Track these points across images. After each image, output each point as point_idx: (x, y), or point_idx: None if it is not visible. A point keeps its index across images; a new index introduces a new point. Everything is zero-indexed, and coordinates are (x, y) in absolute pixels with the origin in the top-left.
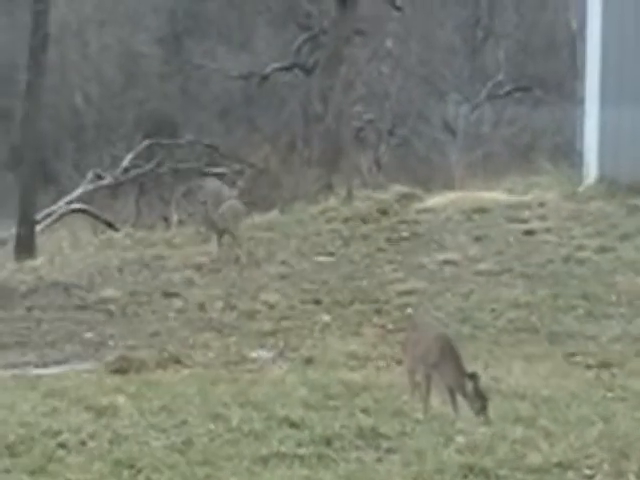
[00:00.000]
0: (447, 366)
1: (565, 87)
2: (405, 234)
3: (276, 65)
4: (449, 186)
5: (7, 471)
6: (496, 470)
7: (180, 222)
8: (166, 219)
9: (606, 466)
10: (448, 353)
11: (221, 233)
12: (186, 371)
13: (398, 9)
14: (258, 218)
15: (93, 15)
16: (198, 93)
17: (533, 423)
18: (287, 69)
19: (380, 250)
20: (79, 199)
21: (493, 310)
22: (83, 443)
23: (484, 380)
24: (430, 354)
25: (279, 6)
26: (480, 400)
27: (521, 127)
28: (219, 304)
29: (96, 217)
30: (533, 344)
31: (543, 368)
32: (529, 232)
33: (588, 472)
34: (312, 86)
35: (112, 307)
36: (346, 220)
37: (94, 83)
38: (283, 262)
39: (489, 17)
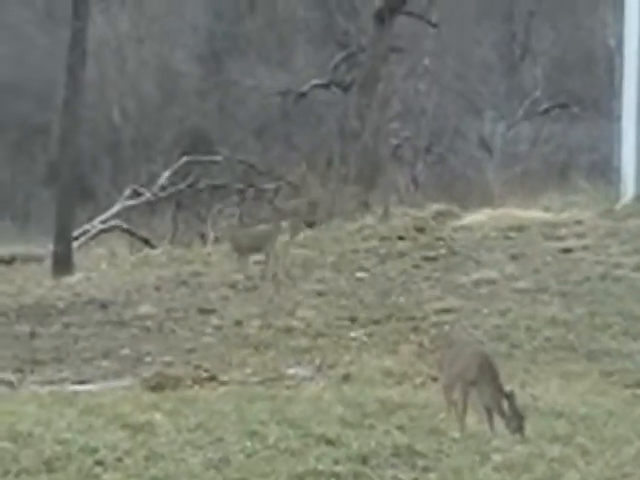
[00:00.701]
0: (484, 384)
1: (602, 104)
2: (442, 252)
3: (314, 82)
4: (486, 204)
5: None
6: None
7: (216, 239)
8: (203, 236)
9: None
10: (486, 370)
11: (257, 251)
12: (223, 388)
13: (434, 26)
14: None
15: (131, 32)
16: (236, 111)
17: (570, 441)
18: (324, 86)
19: (417, 267)
20: (116, 216)
21: (529, 328)
22: (119, 460)
23: (521, 398)
24: (467, 371)
25: (317, 24)
26: (517, 419)
27: (558, 144)
28: (256, 321)
29: (133, 234)
30: (570, 362)
31: (580, 386)
32: (566, 250)
33: None
34: (349, 104)
35: (149, 323)
36: (383, 238)
37: (132, 100)
38: (319, 279)
39: (525, 34)
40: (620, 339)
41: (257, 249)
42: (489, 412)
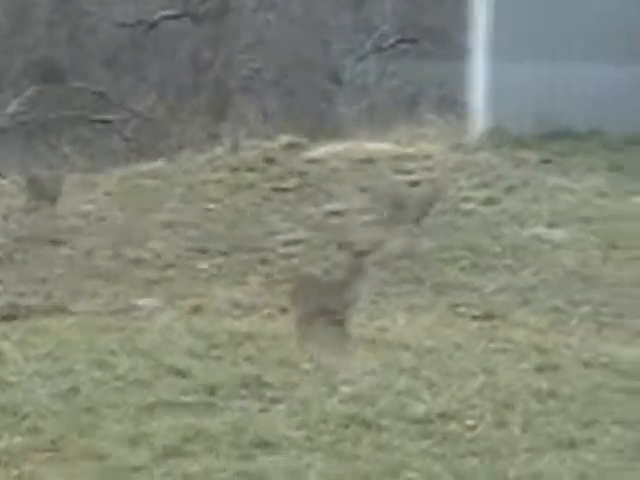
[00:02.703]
0: (328, 308)
1: (453, 39)
2: (291, 183)
3: (165, 13)
4: (336, 136)
5: None
6: (378, 420)
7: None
8: (52, 167)
9: (488, 417)
10: (333, 304)
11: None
12: (73, 318)
13: None
14: (145, 166)
15: None
16: (87, 41)
17: (416, 373)
18: (176, 17)
19: (266, 199)
20: None
21: (380, 261)
22: None
23: (369, 331)
24: (316, 304)
25: None
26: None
27: (407, 79)
28: (106, 252)
29: None
30: (417, 295)
31: (427, 319)
32: (415, 183)
33: (470, 423)
34: (201, 35)
35: None
36: (232, 169)
37: None
38: (169, 210)
39: None
40: (468, 272)
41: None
42: (339, 343)
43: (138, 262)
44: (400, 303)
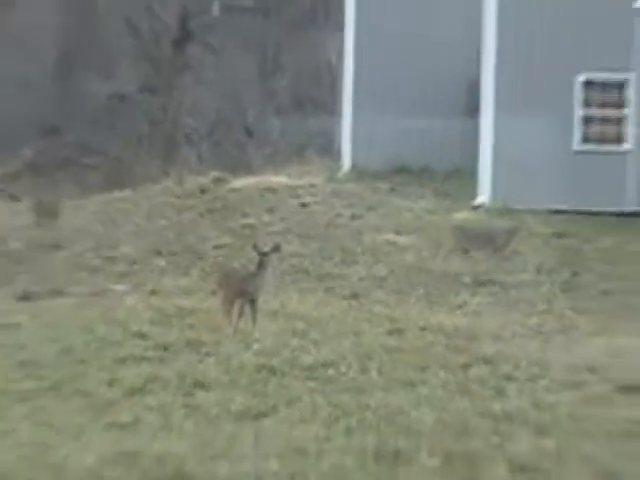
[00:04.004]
0: (243, 291)
1: (328, 104)
2: (218, 205)
3: (131, 88)
4: (248, 173)
5: None
6: (281, 368)
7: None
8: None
9: (355, 365)
10: (241, 282)
11: None
12: (68, 299)
13: (216, 52)
14: (117, 194)
15: None
16: (76, 106)
17: (306, 335)
18: (139, 91)
19: (201, 216)
20: None
21: (279, 258)
22: None
23: (274, 305)
24: (236, 288)
25: (132, 46)
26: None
27: (298, 132)
28: (91, 253)
29: None
30: (306, 282)
31: (313, 298)
32: (304, 205)
33: (343, 369)
34: (155, 103)
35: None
36: (178, 196)
37: None
38: (135, 224)
39: (275, 55)
40: (339, 266)
41: None
42: (252, 314)
43: (113, 260)
44: (293, 287)
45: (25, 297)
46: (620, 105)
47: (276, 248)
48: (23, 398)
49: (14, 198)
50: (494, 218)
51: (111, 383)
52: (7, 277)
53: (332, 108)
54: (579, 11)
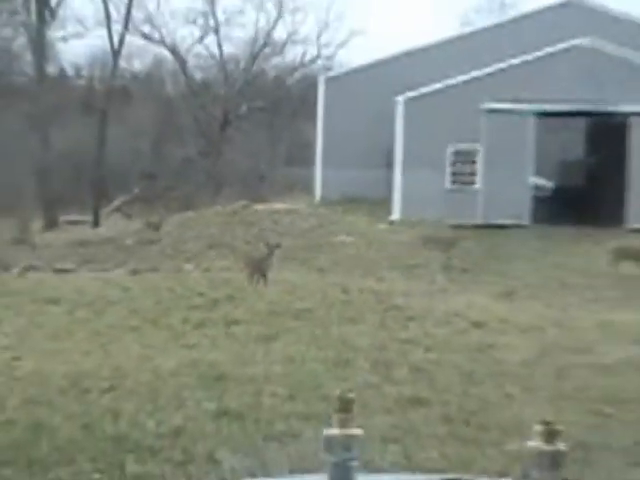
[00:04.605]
0: (259, 269)
1: (309, 158)
2: (245, 220)
3: (191, 154)
4: (263, 201)
5: None
6: (281, 312)
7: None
8: (154, 216)
9: (323, 310)
10: (258, 263)
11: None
12: (159, 274)
13: (244, 132)
14: (189, 214)
15: None
16: (164, 163)
17: (294, 293)
18: (199, 155)
19: (235, 227)
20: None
21: (282, 249)
22: None
23: (276, 278)
24: (255, 267)
25: (196, 127)
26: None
27: (291, 177)
28: (169, 249)
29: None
30: (294, 264)
31: (298, 273)
32: (293, 220)
33: (316, 313)
34: (207, 162)
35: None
36: (222, 215)
37: None
38: (196, 231)
39: (278, 134)
40: (312, 255)
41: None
42: (264, 282)
43: (184, 251)
44: (288, 267)
45: (134, 272)
46: (473, 162)
47: (278, 245)
48: (132, 329)
49: (128, 216)
50: (400, 227)
51: (184, 321)
52: (123, 260)
53: (310, 164)
54: (448, 109)
